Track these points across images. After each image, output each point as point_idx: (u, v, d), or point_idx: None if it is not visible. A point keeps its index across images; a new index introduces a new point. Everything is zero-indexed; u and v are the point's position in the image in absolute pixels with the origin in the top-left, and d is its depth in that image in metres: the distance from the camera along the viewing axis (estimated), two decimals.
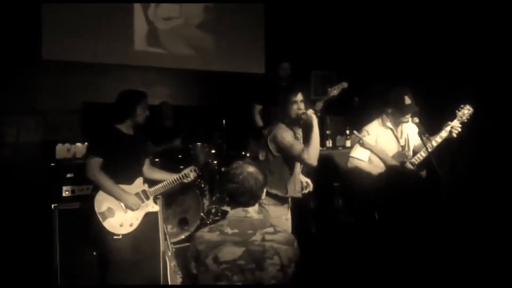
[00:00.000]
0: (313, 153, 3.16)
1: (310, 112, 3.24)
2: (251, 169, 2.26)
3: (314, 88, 6.78)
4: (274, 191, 3.27)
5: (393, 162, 3.47)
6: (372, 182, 3.46)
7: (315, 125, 3.18)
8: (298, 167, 3.42)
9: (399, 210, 2.37)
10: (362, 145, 3.52)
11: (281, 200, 3.34)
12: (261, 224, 2.22)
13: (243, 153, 5.30)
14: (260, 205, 3.31)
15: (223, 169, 5.22)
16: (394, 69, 5.67)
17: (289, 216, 3.49)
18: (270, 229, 2.19)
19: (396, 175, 2.38)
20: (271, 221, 3.19)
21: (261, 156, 3.38)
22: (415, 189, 2.29)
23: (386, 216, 2.58)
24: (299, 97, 3.28)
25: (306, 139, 3.24)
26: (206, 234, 2.17)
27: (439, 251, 2.17)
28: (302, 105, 3.28)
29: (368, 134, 3.58)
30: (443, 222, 2.27)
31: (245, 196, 2.23)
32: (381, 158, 3.52)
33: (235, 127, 5.60)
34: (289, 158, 3.27)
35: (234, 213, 2.25)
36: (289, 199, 3.45)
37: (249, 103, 5.43)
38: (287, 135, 3.25)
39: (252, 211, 2.26)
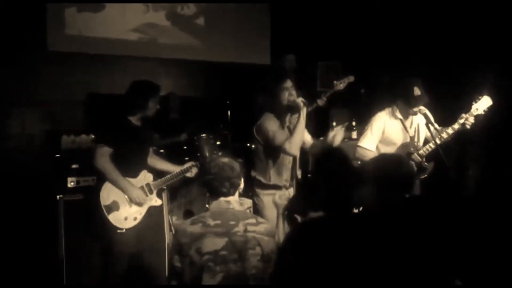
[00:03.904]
0: (294, 144, 3.18)
1: (299, 100, 3.24)
2: (225, 159, 2.32)
3: (320, 80, 6.73)
4: (259, 177, 3.37)
5: None
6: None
7: (302, 115, 3.19)
8: (287, 156, 3.41)
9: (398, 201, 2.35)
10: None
11: (271, 188, 3.37)
12: (243, 215, 2.25)
13: (248, 144, 5.28)
14: (255, 194, 3.39)
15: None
16: (404, 58, 5.57)
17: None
18: (252, 220, 2.21)
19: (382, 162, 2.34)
20: (265, 211, 3.32)
21: (253, 146, 3.47)
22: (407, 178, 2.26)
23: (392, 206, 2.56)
24: (289, 83, 3.31)
25: (292, 129, 3.25)
26: (188, 226, 2.19)
27: (443, 247, 2.14)
28: (293, 91, 3.30)
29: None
30: (451, 216, 2.24)
31: (225, 185, 2.26)
32: None
33: (240, 119, 5.57)
34: (272, 148, 3.30)
35: (217, 204, 2.27)
36: (288, 189, 3.46)
37: (254, 95, 5.38)
38: (271, 125, 3.28)
39: (234, 202, 2.28)
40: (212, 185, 2.29)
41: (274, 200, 3.29)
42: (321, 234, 1.67)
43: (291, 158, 3.43)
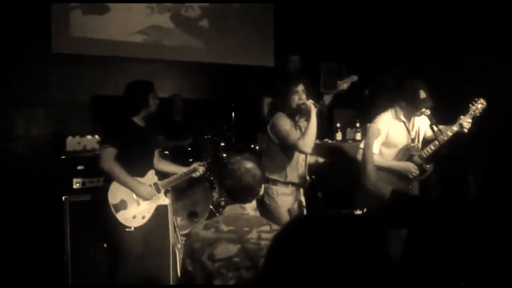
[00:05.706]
0: (308, 142, 3.27)
1: (309, 102, 3.34)
2: (249, 165, 2.21)
3: (323, 81, 6.74)
4: (275, 177, 3.41)
5: (401, 166, 3.50)
6: (383, 174, 3.45)
7: (313, 115, 3.29)
8: (301, 154, 3.47)
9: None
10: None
11: (286, 186, 3.41)
12: (257, 221, 2.17)
13: (252, 146, 5.29)
14: (268, 195, 3.39)
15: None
16: (406, 60, 5.59)
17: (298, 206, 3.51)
18: (267, 228, 2.13)
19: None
20: (278, 213, 3.34)
21: (265, 144, 3.53)
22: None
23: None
24: (301, 87, 3.41)
25: (305, 128, 3.34)
26: (201, 231, 2.13)
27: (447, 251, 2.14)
28: (303, 95, 3.40)
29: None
30: (455, 217, 2.25)
31: (243, 193, 2.19)
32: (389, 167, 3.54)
33: (244, 120, 5.59)
34: (286, 146, 3.37)
35: (231, 209, 2.20)
36: (299, 189, 3.49)
37: (258, 96, 5.41)
38: (284, 124, 3.37)
39: (249, 208, 2.21)
40: (230, 191, 2.23)
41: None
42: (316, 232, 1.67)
43: (304, 156, 3.50)
